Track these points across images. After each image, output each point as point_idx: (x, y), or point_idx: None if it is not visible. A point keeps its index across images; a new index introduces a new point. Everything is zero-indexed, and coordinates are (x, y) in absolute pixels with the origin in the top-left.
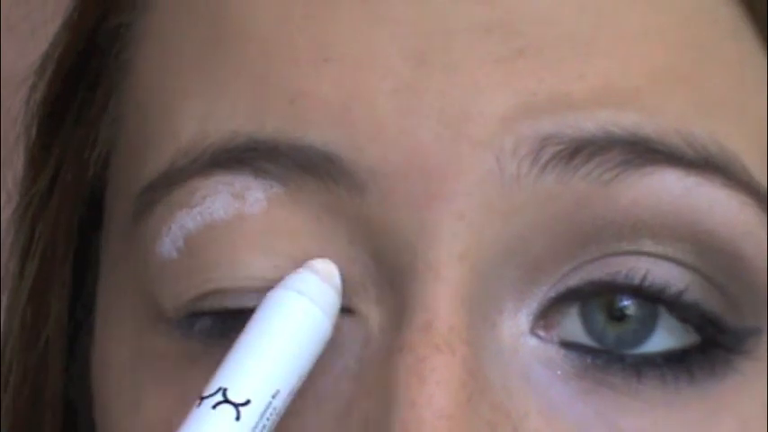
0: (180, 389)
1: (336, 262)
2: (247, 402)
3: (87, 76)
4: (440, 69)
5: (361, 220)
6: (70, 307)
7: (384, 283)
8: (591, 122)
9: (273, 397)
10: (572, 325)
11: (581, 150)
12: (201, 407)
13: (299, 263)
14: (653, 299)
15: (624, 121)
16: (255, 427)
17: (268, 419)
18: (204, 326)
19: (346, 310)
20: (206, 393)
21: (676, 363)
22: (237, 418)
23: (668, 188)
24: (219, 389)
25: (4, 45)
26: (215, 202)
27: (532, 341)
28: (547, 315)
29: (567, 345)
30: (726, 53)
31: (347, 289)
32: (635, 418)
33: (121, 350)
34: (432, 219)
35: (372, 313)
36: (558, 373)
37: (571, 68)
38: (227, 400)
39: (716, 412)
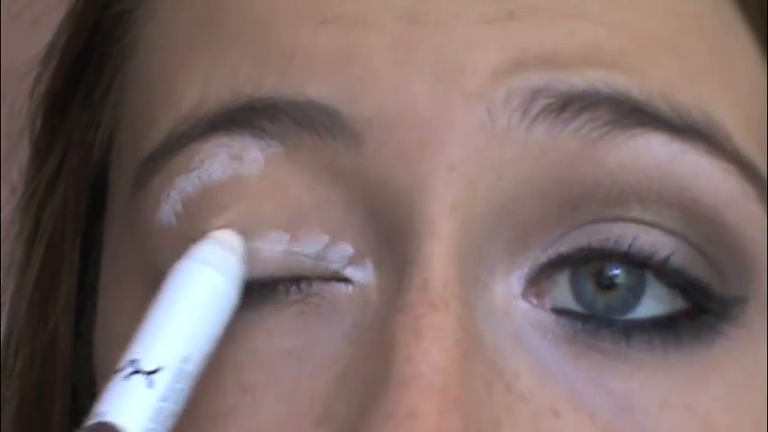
0: None
1: (333, 226)
2: (158, 370)
3: (91, 63)
4: (433, 27)
5: (358, 176)
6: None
7: (380, 244)
8: (580, 79)
9: (184, 362)
10: (562, 294)
11: (570, 105)
12: (114, 380)
13: (294, 223)
14: (640, 264)
15: (612, 80)
16: (169, 390)
17: (181, 383)
18: None
19: (343, 279)
20: (118, 366)
21: (664, 328)
22: (149, 386)
23: (654, 153)
24: (130, 360)
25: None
26: (213, 164)
27: (524, 305)
28: (538, 282)
29: (558, 311)
30: (707, 24)
31: (342, 258)
32: (623, 380)
33: (122, 324)
34: (424, 170)
35: (369, 278)
36: (549, 336)
37: (561, 29)
38: (137, 371)
39: (702, 376)
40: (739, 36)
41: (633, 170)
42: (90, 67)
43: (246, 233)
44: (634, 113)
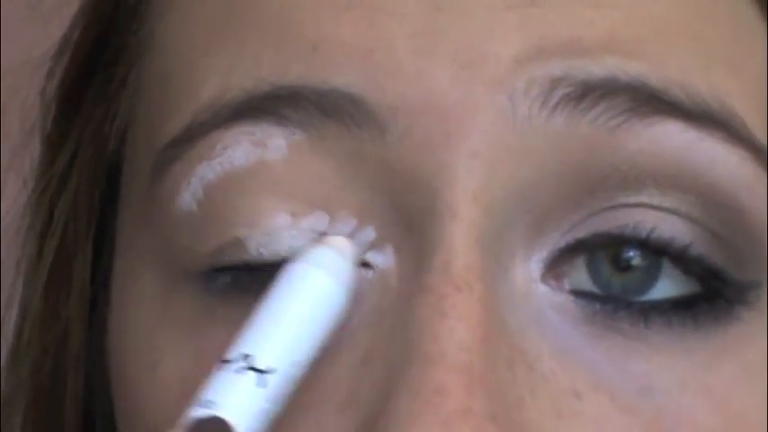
0: (196, 347)
1: (356, 211)
2: (270, 371)
3: (106, 56)
4: (455, 15)
5: (382, 163)
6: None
7: (402, 229)
8: (598, 67)
9: (292, 366)
10: (579, 276)
11: (589, 93)
12: (225, 370)
13: (318, 209)
14: (659, 252)
15: (630, 68)
16: (277, 394)
17: (287, 387)
18: (224, 282)
19: (363, 264)
20: (229, 357)
21: (682, 310)
22: (260, 385)
23: (671, 140)
24: (243, 354)
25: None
26: (236, 151)
27: (543, 288)
28: (555, 266)
29: (577, 293)
30: (721, 12)
31: (365, 243)
32: (642, 361)
33: (139, 314)
34: (448, 157)
35: (389, 263)
36: (569, 318)
37: (580, 16)
38: (252, 367)
39: (719, 357)
40: (751, 24)
41: (650, 157)
42: (105, 60)
43: (281, 215)
44: (651, 101)
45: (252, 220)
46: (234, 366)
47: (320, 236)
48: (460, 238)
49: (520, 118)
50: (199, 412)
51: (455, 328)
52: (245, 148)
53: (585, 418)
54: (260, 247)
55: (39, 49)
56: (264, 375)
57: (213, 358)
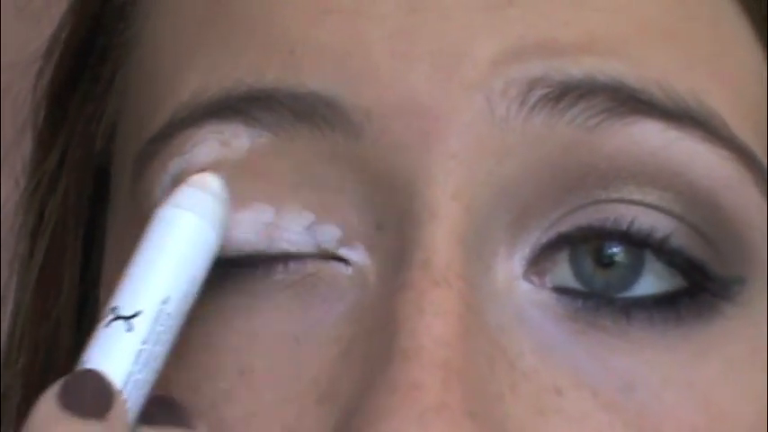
0: (176, 349)
1: (320, 207)
2: (137, 314)
3: (94, 56)
4: (432, 16)
5: (357, 165)
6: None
7: (370, 229)
8: (576, 68)
9: (164, 303)
10: (562, 272)
11: (567, 94)
12: (97, 329)
13: (278, 199)
14: (640, 244)
15: (608, 69)
16: (150, 333)
17: (162, 325)
18: None
19: (341, 260)
20: (101, 316)
21: (664, 305)
22: (129, 330)
23: (649, 139)
24: (111, 308)
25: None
26: (203, 148)
27: (525, 285)
28: (538, 262)
29: (559, 290)
30: (704, 11)
31: (330, 238)
32: (625, 357)
33: None
34: (425, 158)
35: (367, 261)
36: (551, 315)
37: (558, 17)
38: (117, 317)
39: (702, 354)
40: (734, 23)
41: (629, 156)
42: (93, 60)
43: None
44: (630, 101)
45: None
46: (104, 322)
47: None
48: (441, 237)
49: (498, 118)
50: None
51: (433, 323)
52: (210, 146)
53: (567, 415)
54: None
55: (29, 48)
56: (131, 320)
57: (191, 359)
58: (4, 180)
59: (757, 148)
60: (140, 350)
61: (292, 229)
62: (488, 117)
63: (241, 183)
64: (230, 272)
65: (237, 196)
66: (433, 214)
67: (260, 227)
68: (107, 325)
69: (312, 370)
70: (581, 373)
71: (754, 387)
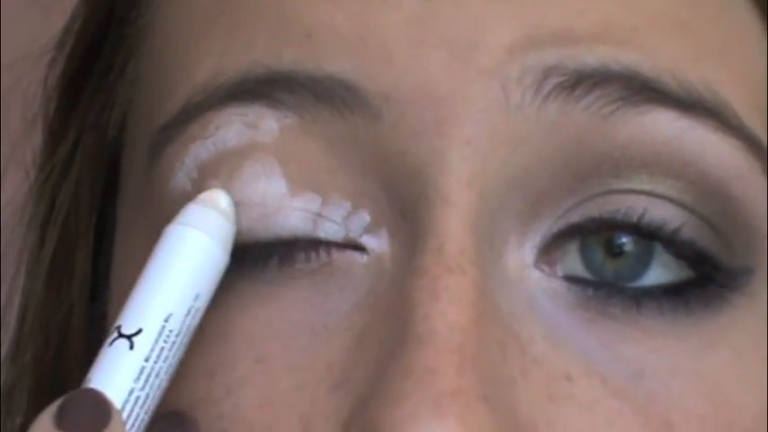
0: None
1: (349, 195)
2: (138, 332)
3: (107, 45)
4: (448, 3)
5: (375, 149)
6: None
7: (395, 214)
8: (591, 57)
9: (166, 320)
10: (572, 262)
11: (581, 82)
12: (102, 348)
13: (310, 189)
14: (650, 236)
15: (622, 58)
16: (152, 350)
17: (165, 341)
18: None
19: (358, 248)
20: (107, 334)
21: (674, 295)
22: (131, 348)
23: (662, 128)
24: (115, 327)
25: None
26: (228, 131)
27: (536, 274)
28: (549, 251)
29: (570, 278)
30: (712, 2)
31: (358, 226)
32: (634, 345)
33: None
34: (441, 145)
35: (384, 247)
36: (562, 303)
37: (572, 6)
38: (120, 335)
39: (710, 343)
40: (743, 14)
41: (642, 144)
42: (105, 50)
43: (273, 194)
44: (643, 90)
45: (243, 198)
46: (108, 341)
47: (315, 216)
48: (454, 224)
49: (513, 106)
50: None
51: (446, 309)
52: (237, 129)
53: (577, 401)
54: (252, 225)
55: (40, 40)
56: (132, 338)
57: (207, 345)
58: (13, 172)
59: (762, 136)
60: (142, 367)
61: (333, 219)
62: (503, 104)
63: (284, 166)
64: (248, 260)
65: (286, 180)
66: (446, 201)
67: (307, 216)
68: (110, 344)
69: (327, 358)
70: (591, 361)
71: (758, 377)
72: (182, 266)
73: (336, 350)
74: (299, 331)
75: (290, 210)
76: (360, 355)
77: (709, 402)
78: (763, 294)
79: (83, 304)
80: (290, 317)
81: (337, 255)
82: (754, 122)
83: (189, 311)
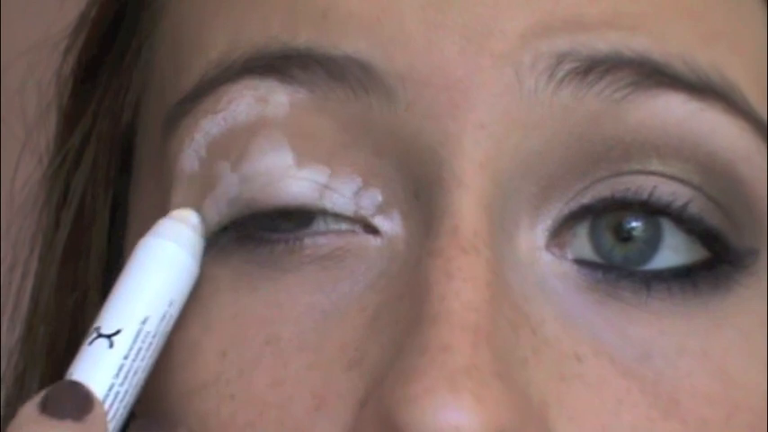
0: (202, 316)
1: (361, 173)
2: (117, 332)
3: (122, 31)
4: None
5: (389, 129)
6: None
7: (408, 195)
8: (603, 43)
9: (143, 323)
10: (582, 246)
11: (594, 68)
12: (81, 347)
13: (319, 162)
14: (660, 212)
15: (633, 44)
16: (130, 349)
17: (143, 342)
18: (226, 254)
19: (371, 230)
20: (85, 339)
21: (683, 277)
22: (110, 346)
23: (673, 111)
24: (94, 328)
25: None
26: (239, 105)
27: (547, 256)
28: (559, 234)
29: (580, 262)
30: None
31: (370, 204)
32: (643, 327)
33: None
34: (455, 127)
35: (397, 230)
36: (572, 285)
37: None
38: (100, 335)
39: (717, 324)
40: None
41: (653, 127)
42: (120, 35)
43: (279, 165)
44: (654, 75)
45: (249, 173)
46: (88, 340)
47: (322, 187)
48: (468, 206)
49: (526, 91)
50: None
51: (461, 289)
52: (247, 103)
53: (586, 380)
54: (255, 195)
55: (55, 27)
56: (112, 338)
57: (219, 326)
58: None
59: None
60: (122, 364)
61: (342, 192)
62: (517, 90)
63: (293, 141)
64: (258, 243)
65: (294, 154)
66: (460, 183)
67: (314, 186)
68: (90, 343)
69: (339, 338)
70: (600, 341)
71: (763, 356)
72: (159, 274)
73: (349, 330)
74: (309, 314)
75: (296, 179)
76: (374, 335)
77: (716, 381)
78: (764, 276)
79: (98, 285)
80: (301, 300)
81: (350, 239)
82: (760, 105)
83: (164, 316)
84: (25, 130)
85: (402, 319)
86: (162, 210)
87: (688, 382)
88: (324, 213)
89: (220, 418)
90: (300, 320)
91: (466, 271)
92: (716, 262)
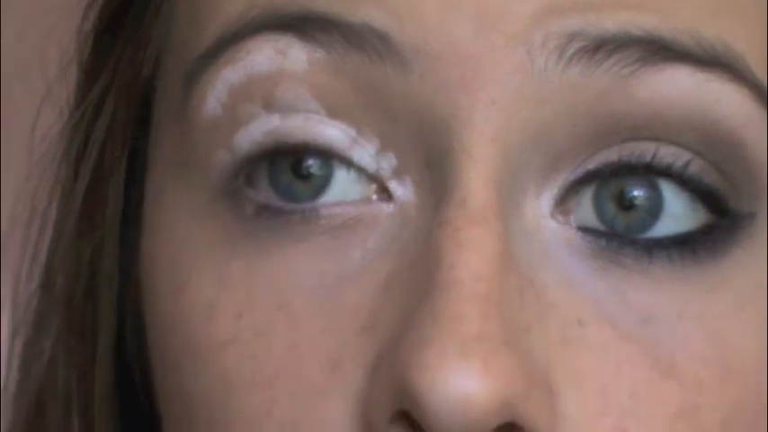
0: (218, 275)
1: (378, 134)
2: None
3: None
4: None
5: (404, 96)
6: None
7: (420, 163)
8: (611, 22)
9: None
10: (585, 214)
11: (602, 47)
12: None
13: (346, 118)
14: (662, 174)
15: (641, 22)
16: None
17: None
18: (249, 210)
19: (385, 196)
20: None
21: (682, 244)
22: None
23: (679, 84)
24: None
25: None
26: (258, 56)
27: (552, 224)
28: (564, 201)
29: (583, 229)
30: None
31: (387, 166)
32: (644, 293)
33: (168, 235)
34: (466, 102)
35: (409, 195)
36: (576, 252)
37: None
38: None
39: (714, 288)
40: None
41: (660, 100)
42: None
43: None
44: (662, 51)
45: (289, 107)
46: None
47: (351, 139)
48: (476, 179)
49: (537, 69)
50: None
51: (470, 259)
52: (266, 54)
53: (588, 344)
54: (291, 131)
55: None
56: None
57: (233, 289)
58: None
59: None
60: None
61: (367, 149)
62: (528, 67)
63: (316, 95)
64: (275, 213)
65: (323, 105)
66: (470, 156)
67: (345, 136)
68: None
69: (353, 303)
70: (602, 306)
71: (758, 321)
72: None
73: (363, 295)
74: (322, 280)
75: (331, 126)
76: (386, 301)
77: (710, 344)
78: (762, 240)
79: (115, 234)
80: (313, 267)
81: (362, 208)
82: (761, 72)
83: None
84: (46, 84)
85: (414, 287)
86: (184, 157)
87: (685, 345)
88: (349, 165)
89: (241, 377)
90: (313, 287)
91: (475, 242)
92: (714, 227)
